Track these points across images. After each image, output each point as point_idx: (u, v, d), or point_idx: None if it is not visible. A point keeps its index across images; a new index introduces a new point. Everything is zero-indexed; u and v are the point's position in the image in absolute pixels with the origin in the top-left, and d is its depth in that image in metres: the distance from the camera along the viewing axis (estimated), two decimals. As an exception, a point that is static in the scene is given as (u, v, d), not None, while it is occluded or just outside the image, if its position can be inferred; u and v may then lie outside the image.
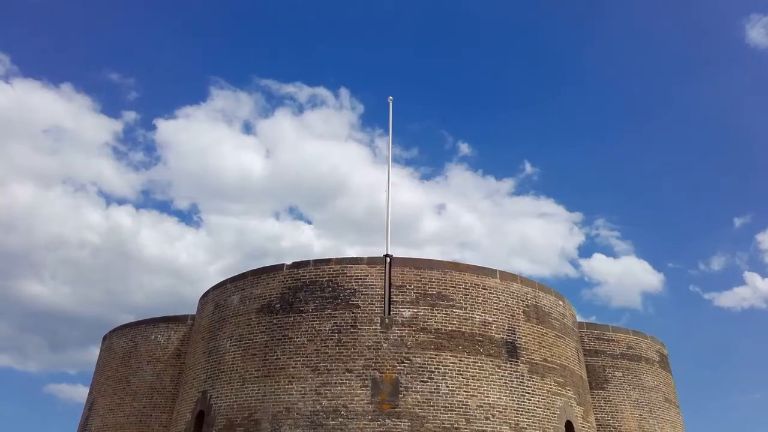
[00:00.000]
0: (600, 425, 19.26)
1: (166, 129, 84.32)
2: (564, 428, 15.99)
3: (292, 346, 15.55)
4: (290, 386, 15.08)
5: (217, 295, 18.19)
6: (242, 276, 17.65)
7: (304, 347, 15.43)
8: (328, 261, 16.55)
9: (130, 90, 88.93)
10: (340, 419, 14.47)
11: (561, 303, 18.26)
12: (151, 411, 19.84)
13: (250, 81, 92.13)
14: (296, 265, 16.78)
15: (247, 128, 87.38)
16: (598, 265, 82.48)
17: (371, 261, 16.30)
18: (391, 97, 22.74)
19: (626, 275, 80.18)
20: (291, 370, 15.27)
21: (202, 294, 19.56)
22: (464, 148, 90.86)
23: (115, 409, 20.26)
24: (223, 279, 18.47)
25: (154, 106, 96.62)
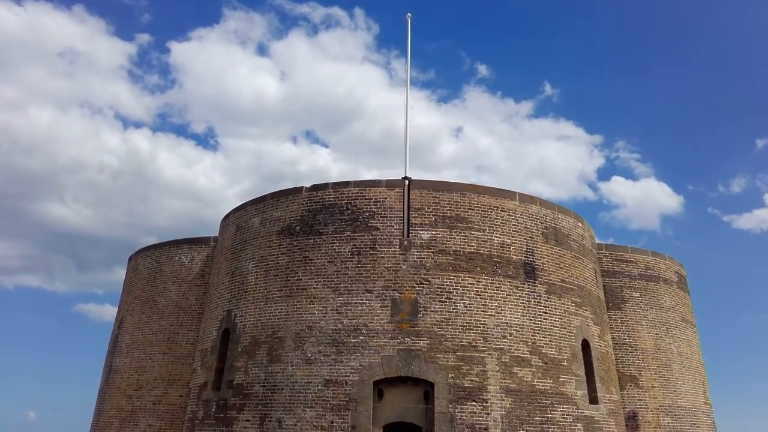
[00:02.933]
0: (616, 344, 19.60)
1: (180, 52, 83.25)
2: (580, 347, 16.31)
3: (312, 268, 15.82)
4: (312, 306, 15.44)
5: (238, 218, 18.41)
6: (262, 199, 17.78)
7: (324, 268, 15.69)
8: (346, 184, 16.57)
9: (143, 12, 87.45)
10: (360, 337, 14.87)
11: (580, 225, 18.25)
12: (178, 329, 20.52)
13: (263, 1, 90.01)
14: (315, 188, 16.83)
15: (261, 50, 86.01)
16: (617, 187, 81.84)
17: (390, 184, 16.29)
18: (409, 14, 22.01)
19: (645, 198, 79.64)
20: (312, 290, 15.59)
21: (222, 216, 19.81)
22: (482, 69, 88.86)
23: (143, 327, 20.98)
24: (243, 202, 18.64)
25: (167, 29, 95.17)
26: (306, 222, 16.44)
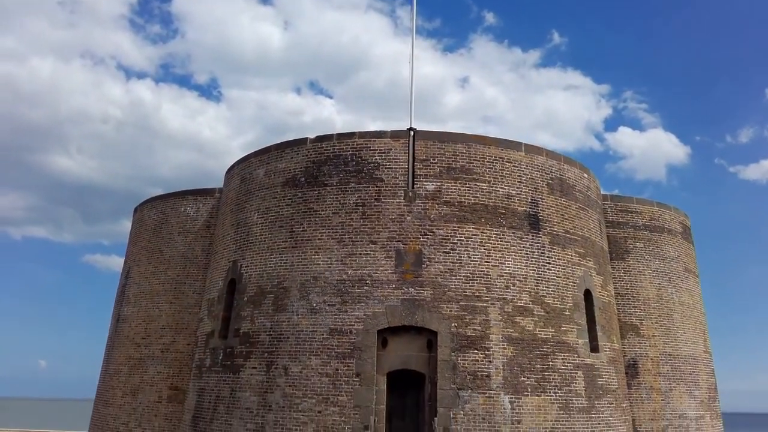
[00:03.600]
0: (618, 294, 19.76)
1: (182, 0, 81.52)
2: (582, 296, 16.46)
3: (317, 219, 15.87)
4: (317, 257, 15.56)
5: (242, 169, 18.38)
6: (266, 150, 17.72)
7: (329, 219, 15.74)
8: (351, 135, 16.47)
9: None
10: (365, 287, 15.03)
11: (585, 176, 18.18)
12: (184, 279, 20.75)
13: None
14: (320, 139, 16.74)
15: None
16: (624, 138, 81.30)
17: (395, 135, 16.19)
18: (415, -40, 21.41)
19: (652, 148, 79.16)
20: (317, 241, 15.68)
21: (227, 168, 19.78)
22: (490, 17, 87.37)
23: (150, 277, 21.22)
24: (247, 153, 18.58)
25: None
26: (311, 173, 16.41)
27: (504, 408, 14.33)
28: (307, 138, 16.94)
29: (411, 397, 15.73)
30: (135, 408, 19.79)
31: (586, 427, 15.10)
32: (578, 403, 15.14)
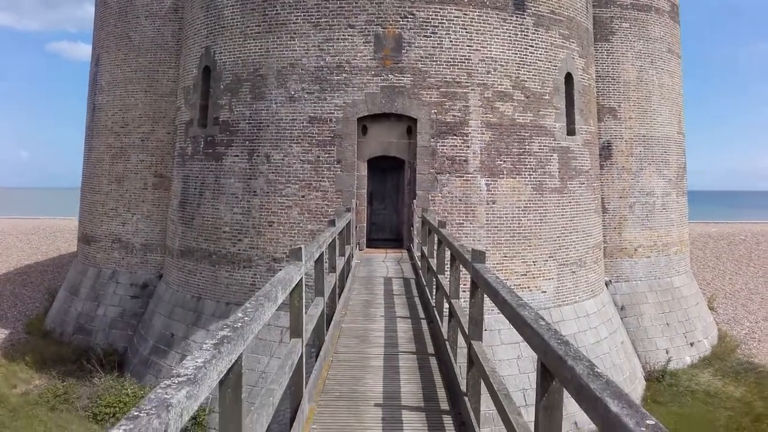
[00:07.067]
0: (599, 76, 19.62)
1: None
2: (563, 80, 16.33)
3: (291, 1, 15.02)
4: (293, 42, 15.00)
5: (206, -56, 16.90)
6: None
7: (304, 2, 14.91)
8: None
9: None
10: (344, 75, 14.73)
11: (576, -51, 17.02)
12: (157, 66, 20.12)
13: None
14: None
15: None
16: None
17: None
18: None
19: None
20: (292, 25, 15.00)
21: (190, -58, 18.17)
22: None
23: (121, 64, 20.52)
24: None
25: None
26: (281, -51, 15.16)
27: (480, 190, 14.91)
28: None
29: (391, 181, 16.26)
30: (122, 195, 20.31)
31: (557, 206, 15.90)
32: (551, 184, 15.77)
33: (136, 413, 1.64)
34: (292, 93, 14.93)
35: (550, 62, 15.97)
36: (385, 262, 13.99)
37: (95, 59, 21.73)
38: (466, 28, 14.88)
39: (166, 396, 1.79)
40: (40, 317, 21.47)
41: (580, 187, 16.60)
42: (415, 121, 14.85)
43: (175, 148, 18.18)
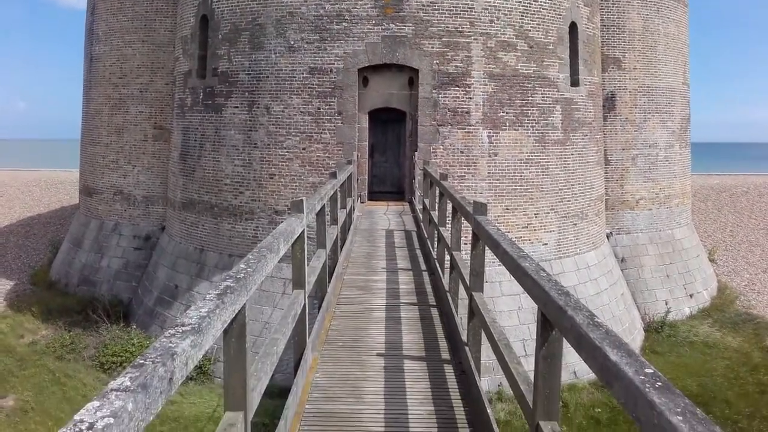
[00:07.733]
0: (604, 26, 19.24)
1: None
2: (567, 29, 16.04)
3: (290, -53, 14.65)
4: (292, -10, 14.67)
5: None
6: None
7: (302, -52, 14.54)
8: None
9: None
10: (344, 24, 14.47)
11: None
12: (154, 15, 19.76)
13: None
14: None
15: None
16: None
17: None
18: None
19: None
20: (291, -27, 14.66)
21: None
22: None
23: (117, 13, 20.14)
24: None
25: None
26: None
27: (482, 142, 14.82)
28: None
29: (392, 133, 16.15)
30: (122, 147, 20.21)
31: (560, 158, 15.82)
32: (554, 136, 15.65)
33: (141, 361, 1.66)
34: (292, 43, 14.70)
35: (554, 11, 15.66)
36: (387, 215, 14.01)
37: (91, 8, 21.33)
38: (469, -24, 14.53)
39: (170, 345, 1.81)
40: (45, 269, 21.65)
41: (583, 139, 16.48)
42: (416, 71, 14.65)
43: (174, 100, 18.01)
